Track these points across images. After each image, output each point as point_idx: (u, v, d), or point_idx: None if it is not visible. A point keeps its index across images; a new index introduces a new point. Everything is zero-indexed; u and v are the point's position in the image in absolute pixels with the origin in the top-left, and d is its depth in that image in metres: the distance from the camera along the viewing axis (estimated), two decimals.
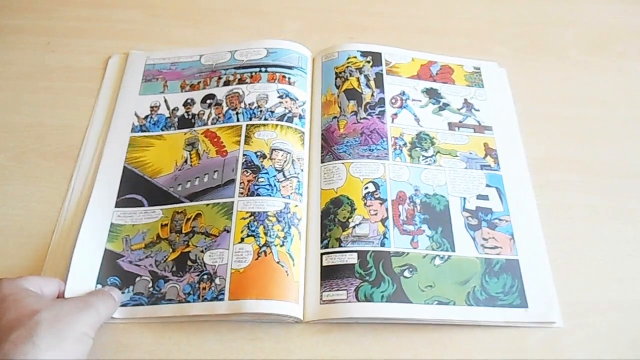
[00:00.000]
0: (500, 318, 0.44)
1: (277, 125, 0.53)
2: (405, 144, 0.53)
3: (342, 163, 0.51)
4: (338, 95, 0.56)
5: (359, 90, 0.56)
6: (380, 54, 0.59)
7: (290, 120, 0.53)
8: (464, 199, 0.50)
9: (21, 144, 0.53)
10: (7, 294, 0.38)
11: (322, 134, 0.54)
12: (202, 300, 0.43)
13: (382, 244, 0.47)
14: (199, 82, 0.58)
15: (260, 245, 0.45)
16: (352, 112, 0.55)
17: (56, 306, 0.38)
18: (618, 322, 0.45)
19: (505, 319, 0.44)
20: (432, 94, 0.58)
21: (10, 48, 0.61)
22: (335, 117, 0.55)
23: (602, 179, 0.54)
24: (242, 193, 0.48)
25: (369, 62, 0.58)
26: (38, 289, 0.40)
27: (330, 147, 0.53)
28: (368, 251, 0.46)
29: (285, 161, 0.50)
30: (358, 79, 0.57)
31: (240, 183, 0.49)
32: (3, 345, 0.34)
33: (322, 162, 0.52)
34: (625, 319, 0.46)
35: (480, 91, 0.58)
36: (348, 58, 0.58)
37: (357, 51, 0.59)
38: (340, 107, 0.55)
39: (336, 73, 0.58)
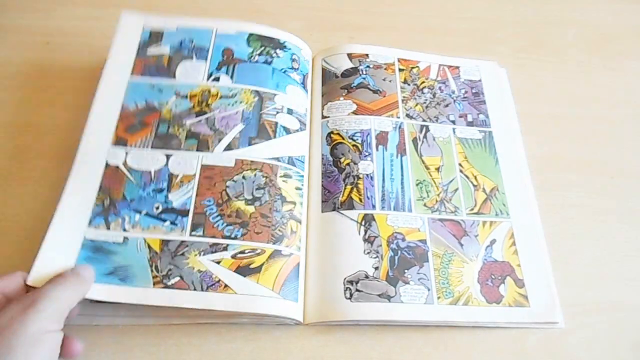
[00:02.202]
0: (502, 318, 0.44)
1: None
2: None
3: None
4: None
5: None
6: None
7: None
8: None
9: (19, 144, 0.53)
10: None
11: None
12: None
13: None
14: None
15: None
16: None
17: (1, 313, 0.34)
18: (618, 323, 0.45)
19: (507, 319, 0.44)
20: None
21: (9, 47, 0.61)
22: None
23: (603, 178, 0.54)
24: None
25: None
26: None
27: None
28: None
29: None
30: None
31: None
32: None
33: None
34: (626, 319, 0.46)
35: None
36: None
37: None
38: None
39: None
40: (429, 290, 0.45)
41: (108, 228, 0.44)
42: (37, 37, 0.61)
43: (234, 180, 0.48)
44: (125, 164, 0.48)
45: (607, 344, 0.44)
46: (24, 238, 0.47)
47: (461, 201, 0.50)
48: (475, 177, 0.52)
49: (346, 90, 0.56)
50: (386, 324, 0.44)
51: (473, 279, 0.46)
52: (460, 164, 0.53)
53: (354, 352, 0.43)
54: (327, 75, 0.58)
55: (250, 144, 0.50)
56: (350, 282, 0.45)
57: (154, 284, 0.42)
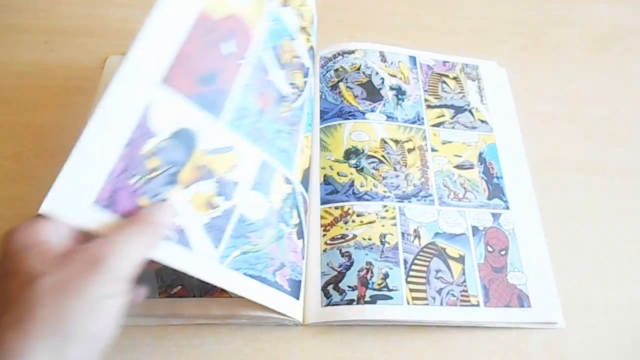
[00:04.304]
0: (502, 318, 0.44)
1: None
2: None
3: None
4: None
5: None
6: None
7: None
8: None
9: (19, 144, 0.53)
10: (16, 250, 0.27)
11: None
12: None
13: None
14: None
15: None
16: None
17: (60, 266, 0.27)
18: (619, 323, 0.45)
19: (507, 319, 0.44)
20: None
21: (8, 47, 0.60)
22: None
23: (604, 178, 0.54)
24: None
25: None
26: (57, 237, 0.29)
27: None
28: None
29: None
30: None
31: None
32: None
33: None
34: (626, 319, 0.46)
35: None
36: None
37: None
38: None
39: None
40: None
41: None
42: (37, 37, 0.61)
43: None
44: None
45: (608, 345, 0.44)
46: None
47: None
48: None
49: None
50: (387, 325, 0.44)
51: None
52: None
53: (354, 353, 0.43)
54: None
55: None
56: None
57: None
